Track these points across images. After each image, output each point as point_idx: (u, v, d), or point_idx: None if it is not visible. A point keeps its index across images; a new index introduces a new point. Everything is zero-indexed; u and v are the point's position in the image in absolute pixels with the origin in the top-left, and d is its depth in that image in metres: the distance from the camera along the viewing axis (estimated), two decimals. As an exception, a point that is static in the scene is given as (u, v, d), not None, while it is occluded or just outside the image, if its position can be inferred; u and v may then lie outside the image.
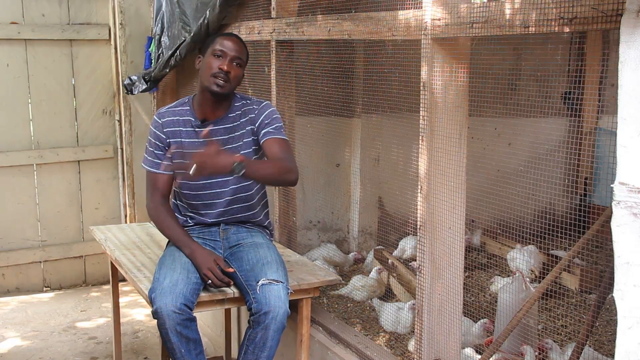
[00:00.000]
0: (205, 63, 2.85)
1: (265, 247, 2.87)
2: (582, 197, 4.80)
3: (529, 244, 4.03)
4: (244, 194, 2.98)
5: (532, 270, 3.89)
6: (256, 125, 2.91)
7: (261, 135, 2.88)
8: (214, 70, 2.81)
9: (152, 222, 3.04)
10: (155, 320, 2.60)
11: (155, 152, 2.94)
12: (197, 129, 2.91)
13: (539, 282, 3.73)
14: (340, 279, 3.27)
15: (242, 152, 2.92)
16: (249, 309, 2.67)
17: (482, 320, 3.10)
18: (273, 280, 2.66)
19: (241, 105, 2.97)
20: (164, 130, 2.92)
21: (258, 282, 2.66)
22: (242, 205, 2.99)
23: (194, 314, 2.64)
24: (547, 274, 3.85)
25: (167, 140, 2.92)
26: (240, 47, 2.88)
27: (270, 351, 2.66)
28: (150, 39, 4.93)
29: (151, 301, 2.60)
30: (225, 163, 2.46)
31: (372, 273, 3.82)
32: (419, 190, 2.50)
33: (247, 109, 2.95)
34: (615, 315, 1.65)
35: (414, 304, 3.26)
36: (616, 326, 1.66)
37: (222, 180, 2.92)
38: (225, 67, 2.80)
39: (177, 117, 2.93)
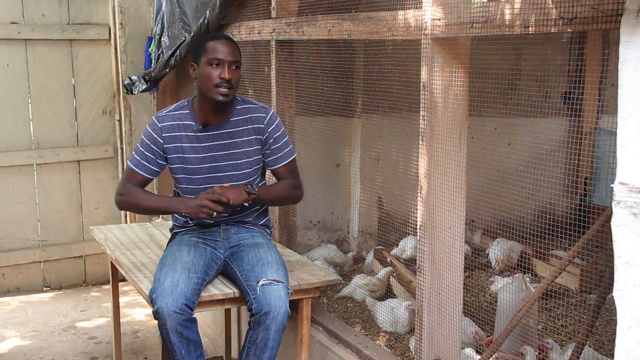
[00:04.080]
0: (204, 74, 2.79)
1: (266, 247, 2.87)
2: (582, 197, 4.80)
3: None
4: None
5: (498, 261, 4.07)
6: (264, 137, 2.94)
7: (274, 157, 2.98)
8: (215, 81, 2.77)
9: (124, 208, 3.05)
10: (156, 321, 2.60)
11: (146, 153, 2.91)
12: (198, 134, 2.89)
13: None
14: (341, 279, 3.27)
15: (244, 159, 2.92)
16: (249, 310, 2.68)
17: (471, 329, 3.09)
18: (273, 280, 2.66)
19: (244, 109, 2.94)
20: (163, 135, 2.89)
21: (258, 283, 2.66)
22: (244, 207, 2.99)
23: (195, 315, 2.64)
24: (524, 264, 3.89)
25: (164, 146, 2.90)
26: (234, 49, 2.84)
27: (271, 352, 2.66)
28: (150, 39, 4.93)
29: (152, 301, 2.60)
30: (238, 189, 2.80)
31: (380, 273, 3.81)
32: (419, 190, 2.50)
33: (253, 116, 2.93)
34: (615, 315, 1.65)
35: (409, 305, 3.27)
36: (616, 326, 1.66)
37: (223, 184, 2.92)
38: (227, 76, 2.76)
39: (176, 122, 2.90)
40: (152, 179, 2.98)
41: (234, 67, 2.81)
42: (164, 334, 2.59)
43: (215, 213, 2.73)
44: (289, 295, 2.70)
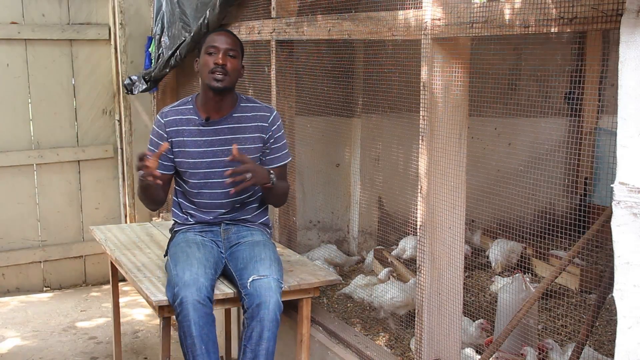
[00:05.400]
0: (202, 63, 2.89)
1: (262, 245, 2.87)
2: (582, 197, 4.80)
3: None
4: (246, 192, 2.98)
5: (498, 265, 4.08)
6: (267, 136, 2.97)
7: (271, 157, 3.00)
8: (210, 67, 2.84)
9: (145, 205, 3.06)
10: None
11: (156, 151, 2.94)
12: (201, 128, 2.91)
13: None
14: (341, 279, 3.27)
15: (247, 155, 2.92)
16: (243, 307, 2.68)
17: (478, 321, 3.10)
18: (264, 275, 2.66)
19: (248, 107, 2.98)
20: (167, 129, 2.93)
21: (249, 280, 2.66)
22: (244, 204, 3.00)
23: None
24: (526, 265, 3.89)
25: (170, 140, 2.92)
26: (232, 39, 2.91)
27: (268, 343, 2.62)
28: (150, 39, 4.93)
29: (173, 296, 2.59)
30: (265, 173, 2.80)
31: (381, 274, 3.82)
32: (419, 190, 2.50)
33: (258, 115, 2.97)
34: (615, 315, 1.65)
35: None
36: (616, 326, 1.66)
37: (224, 179, 2.93)
38: (221, 61, 2.83)
39: (180, 116, 2.94)
40: (171, 174, 2.99)
41: (229, 55, 2.86)
42: (185, 327, 2.55)
43: (149, 176, 2.66)
44: (282, 288, 2.69)
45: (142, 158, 2.66)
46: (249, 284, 2.66)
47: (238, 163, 2.78)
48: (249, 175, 2.71)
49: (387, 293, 3.37)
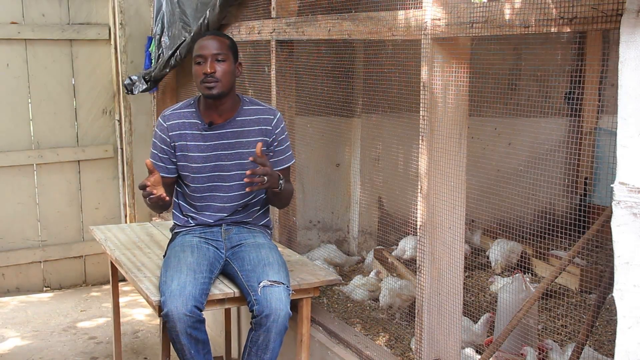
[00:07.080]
0: (193, 73, 2.87)
1: (267, 248, 2.87)
2: (582, 197, 4.80)
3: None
4: (248, 194, 2.98)
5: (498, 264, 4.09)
6: (270, 139, 2.95)
7: (275, 159, 2.97)
8: (200, 77, 2.82)
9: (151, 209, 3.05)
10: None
11: (160, 155, 2.93)
12: (204, 132, 2.90)
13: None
14: (341, 279, 3.28)
15: (249, 159, 2.91)
16: (251, 311, 2.68)
17: (485, 316, 3.10)
18: (274, 282, 2.66)
19: (251, 110, 2.96)
20: (170, 134, 2.91)
21: (259, 284, 2.66)
22: (245, 206, 3.00)
23: (203, 315, 2.65)
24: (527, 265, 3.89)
25: (173, 144, 2.91)
26: (218, 42, 2.84)
27: (272, 352, 2.67)
28: (150, 39, 4.93)
29: (161, 304, 2.61)
30: (277, 177, 2.76)
31: (371, 274, 3.83)
32: (419, 190, 2.50)
33: (261, 118, 2.95)
34: (615, 315, 1.65)
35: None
36: (616, 326, 1.66)
37: (227, 184, 2.93)
38: (208, 70, 2.79)
39: (182, 120, 2.92)
40: (174, 178, 2.97)
41: (218, 60, 2.81)
42: (173, 335, 2.60)
43: (151, 194, 2.66)
44: (290, 296, 2.70)
45: (144, 187, 2.65)
46: (259, 289, 2.65)
47: (253, 164, 2.74)
48: (266, 178, 2.67)
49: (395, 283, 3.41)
